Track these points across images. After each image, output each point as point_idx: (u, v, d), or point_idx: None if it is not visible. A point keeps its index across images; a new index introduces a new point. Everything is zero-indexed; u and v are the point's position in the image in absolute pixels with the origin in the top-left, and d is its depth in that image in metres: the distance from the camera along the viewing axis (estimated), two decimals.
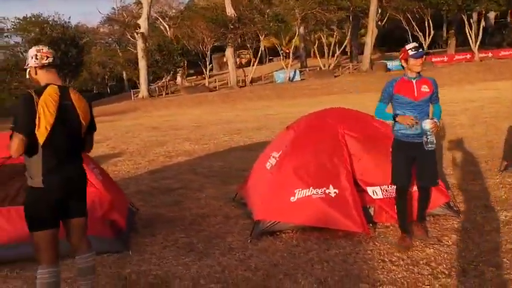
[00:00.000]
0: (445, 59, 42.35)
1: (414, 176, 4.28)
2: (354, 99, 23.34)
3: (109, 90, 61.07)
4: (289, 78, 43.56)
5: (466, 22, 40.40)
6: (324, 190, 4.47)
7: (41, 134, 2.84)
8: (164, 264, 4.10)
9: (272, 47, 53.78)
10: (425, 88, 4.05)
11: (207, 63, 46.66)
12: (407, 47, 4.05)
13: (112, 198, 4.57)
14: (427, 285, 3.36)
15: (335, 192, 4.46)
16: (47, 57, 3.04)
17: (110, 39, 63.11)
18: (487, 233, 4.25)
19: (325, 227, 4.41)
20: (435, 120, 3.98)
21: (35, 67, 3.03)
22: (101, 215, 4.35)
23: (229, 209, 5.63)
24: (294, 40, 46.03)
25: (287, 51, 48.15)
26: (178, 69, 46.88)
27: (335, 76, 42.36)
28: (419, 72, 4.05)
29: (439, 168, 5.98)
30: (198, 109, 28.35)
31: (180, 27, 48.38)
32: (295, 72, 44.74)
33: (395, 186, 4.26)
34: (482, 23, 41.59)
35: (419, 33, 44.30)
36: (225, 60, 50.81)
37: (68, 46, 42.47)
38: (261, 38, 43.11)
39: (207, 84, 46.15)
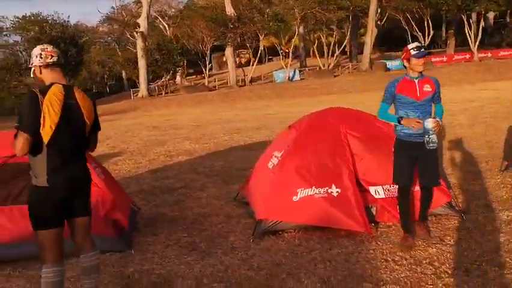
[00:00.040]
0: (444, 59, 42.35)
1: (417, 176, 4.29)
2: (353, 98, 23.36)
3: (108, 89, 61.02)
4: (289, 77, 43.54)
5: (465, 22, 40.43)
6: (327, 190, 4.48)
7: (46, 133, 2.84)
8: (166, 263, 4.10)
9: (272, 46, 53.77)
10: (427, 88, 4.06)
11: (207, 63, 46.63)
12: (409, 46, 4.06)
13: (114, 197, 4.57)
14: (430, 284, 3.37)
15: (337, 192, 4.47)
16: (52, 56, 3.04)
17: (109, 38, 63.02)
18: (489, 232, 4.26)
19: (327, 227, 4.42)
20: (437, 119, 3.97)
21: (40, 66, 3.03)
22: (103, 214, 4.35)
23: (230, 209, 5.63)
24: (293, 40, 46.01)
25: (287, 50, 48.15)
26: (177, 69, 46.84)
27: (335, 76, 42.36)
28: (421, 72, 4.06)
29: (439, 168, 5.99)
30: (198, 108, 28.34)
31: (180, 26, 48.34)
32: (294, 71, 44.73)
33: (397, 186, 4.27)
34: (482, 23, 41.63)
35: (419, 33, 44.36)
36: (224, 59, 50.80)
37: (67, 45, 42.39)
38: (261, 37, 43.09)
39: (206, 84, 46.13)
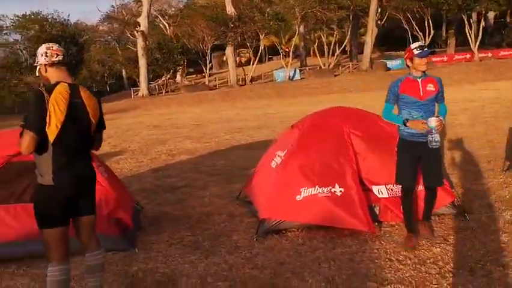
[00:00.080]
0: (445, 58, 42.36)
1: (420, 176, 4.29)
2: (354, 98, 23.37)
3: (108, 88, 60.95)
4: (289, 77, 43.53)
5: (466, 22, 40.43)
6: (330, 189, 4.48)
7: (52, 131, 2.84)
8: (170, 262, 4.11)
9: (272, 45, 53.69)
10: (430, 87, 4.05)
11: (207, 62, 46.60)
12: (412, 46, 4.05)
13: (117, 196, 4.57)
14: (435, 284, 3.37)
15: (340, 191, 4.47)
16: (57, 54, 3.04)
17: (109, 37, 62.95)
18: (493, 232, 4.26)
19: (331, 226, 4.42)
20: (440, 118, 3.96)
21: (45, 65, 3.03)
22: (107, 213, 4.35)
23: (233, 208, 5.64)
24: (294, 39, 45.98)
25: (287, 50, 48.13)
26: (178, 68, 46.84)
27: (335, 75, 42.35)
28: (424, 72, 4.06)
29: (442, 168, 5.99)
30: (198, 107, 28.35)
31: (180, 25, 48.30)
32: (295, 71, 44.71)
33: (400, 186, 4.27)
34: (482, 23, 41.62)
35: (419, 32, 44.31)
36: (224, 59, 50.76)
37: (67, 44, 42.35)
38: (261, 36, 43.07)
39: (206, 83, 46.11)
